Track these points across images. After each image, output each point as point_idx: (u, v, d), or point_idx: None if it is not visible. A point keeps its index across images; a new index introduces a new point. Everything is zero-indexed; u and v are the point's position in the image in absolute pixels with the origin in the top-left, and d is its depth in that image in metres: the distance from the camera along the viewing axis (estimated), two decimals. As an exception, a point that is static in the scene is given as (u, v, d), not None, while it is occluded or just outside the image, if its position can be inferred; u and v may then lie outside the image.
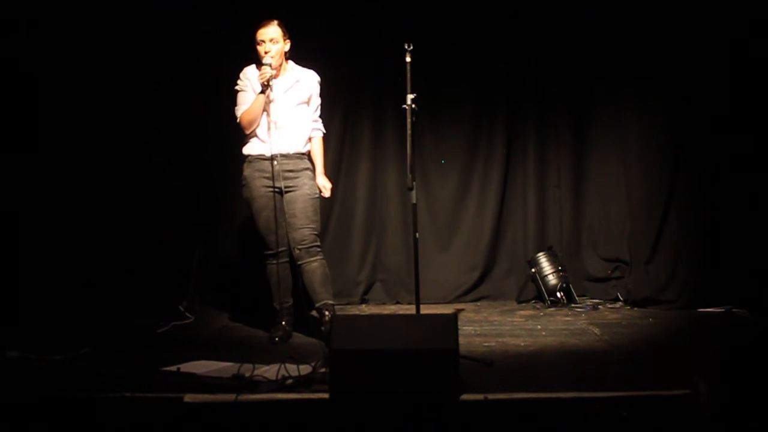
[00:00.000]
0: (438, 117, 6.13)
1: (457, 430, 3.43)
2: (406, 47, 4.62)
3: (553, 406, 3.48)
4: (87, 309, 5.13)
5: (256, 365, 3.78)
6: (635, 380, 3.77)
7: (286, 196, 4.78)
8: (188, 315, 5.55)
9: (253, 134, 4.82)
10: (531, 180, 6.21)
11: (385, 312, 5.86)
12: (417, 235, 4.77)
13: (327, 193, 5.00)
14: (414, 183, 4.65)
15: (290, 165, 4.79)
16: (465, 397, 3.45)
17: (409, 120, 4.63)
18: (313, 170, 4.91)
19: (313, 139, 4.98)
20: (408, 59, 4.62)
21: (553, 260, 6.00)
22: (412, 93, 4.61)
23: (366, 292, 6.17)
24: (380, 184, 6.22)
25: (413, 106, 4.63)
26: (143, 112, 5.69)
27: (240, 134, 4.91)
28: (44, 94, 5.45)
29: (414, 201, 4.71)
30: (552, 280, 5.94)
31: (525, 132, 6.21)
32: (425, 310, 5.09)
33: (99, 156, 5.59)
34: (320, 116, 5.03)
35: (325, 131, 5.07)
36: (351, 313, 5.77)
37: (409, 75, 4.60)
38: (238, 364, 3.78)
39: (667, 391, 3.51)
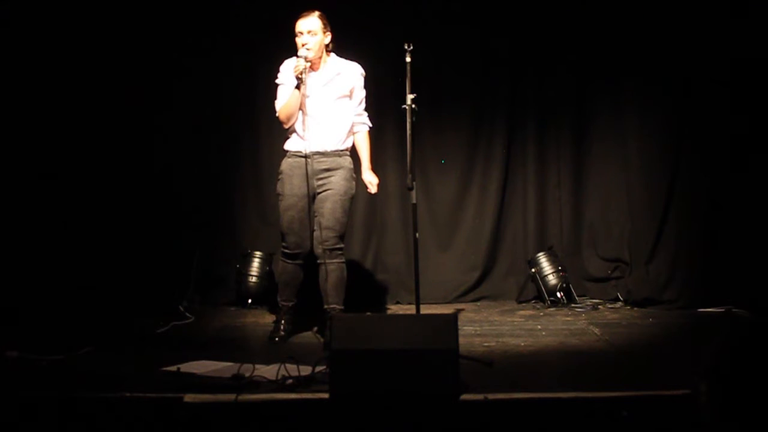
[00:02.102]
0: (438, 117, 6.13)
1: (457, 430, 3.43)
2: (406, 47, 4.62)
3: (553, 406, 3.47)
4: (87, 309, 5.12)
5: (256, 365, 3.78)
6: (635, 380, 3.77)
7: (319, 195, 4.70)
8: (188, 315, 5.54)
9: (293, 129, 4.74)
10: (531, 180, 6.21)
11: (385, 312, 5.85)
12: (417, 235, 4.76)
13: (373, 189, 4.91)
14: (414, 183, 4.65)
15: (327, 163, 4.70)
16: (465, 397, 3.45)
17: (409, 120, 4.62)
18: (352, 168, 4.79)
19: (357, 134, 4.86)
20: (408, 59, 4.61)
21: (553, 260, 6.00)
22: (412, 93, 4.61)
23: (366, 292, 6.17)
24: (380, 184, 6.18)
25: (413, 106, 4.62)
26: (144, 112, 5.70)
27: (279, 129, 4.84)
28: (44, 93, 5.45)
29: (414, 201, 4.70)
30: (552, 280, 5.94)
31: (525, 132, 6.21)
32: (425, 310, 5.09)
33: (99, 156, 5.60)
34: (365, 109, 4.91)
35: (371, 125, 4.94)
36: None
37: (409, 75, 4.59)
38: (238, 364, 3.78)
39: (667, 391, 3.51)
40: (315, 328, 4.95)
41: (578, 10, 6.01)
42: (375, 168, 6.12)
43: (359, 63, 6.01)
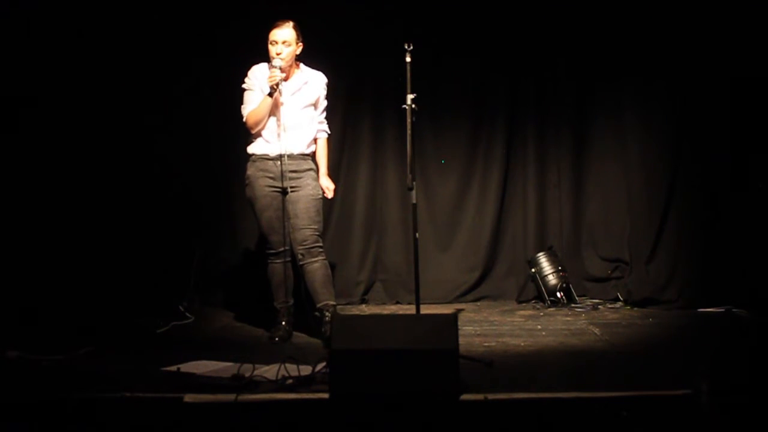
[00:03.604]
0: (438, 117, 6.13)
1: (457, 430, 3.43)
2: (406, 47, 4.63)
3: (553, 406, 3.47)
4: (87, 309, 5.12)
5: (256, 365, 3.78)
6: (635, 380, 3.77)
7: (289, 196, 4.75)
8: (188, 315, 5.55)
9: (258, 134, 4.81)
10: (531, 180, 6.21)
11: (385, 312, 5.86)
12: (417, 235, 4.77)
13: (330, 194, 4.99)
14: (414, 183, 4.65)
15: (294, 165, 4.77)
16: (465, 397, 3.45)
17: (409, 120, 4.63)
18: (317, 171, 4.90)
19: (318, 140, 4.97)
20: (408, 59, 4.62)
21: (553, 260, 6.00)
22: (412, 93, 4.62)
23: (366, 292, 6.17)
24: (380, 184, 6.22)
25: (413, 106, 4.63)
26: (144, 111, 5.69)
27: (244, 133, 4.90)
28: (46, 92, 5.44)
29: (414, 201, 4.71)
30: (552, 280, 5.94)
31: (525, 132, 6.21)
32: (425, 310, 5.09)
33: (100, 156, 5.58)
34: (325, 117, 5.02)
35: (330, 132, 5.08)
36: (351, 313, 5.76)
37: (409, 75, 4.61)
38: (238, 364, 3.78)
39: (667, 391, 3.52)
40: (313, 329, 4.94)
41: (578, 10, 6.00)
42: (375, 168, 6.19)
43: (359, 63, 6.05)
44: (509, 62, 6.16)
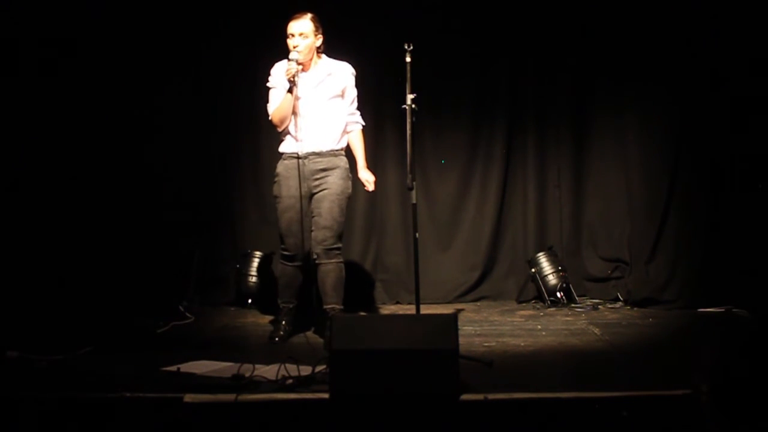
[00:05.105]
0: (438, 117, 6.13)
1: (457, 430, 3.43)
2: (406, 47, 4.63)
3: (553, 406, 3.47)
4: (87, 309, 5.12)
5: (256, 365, 3.78)
6: (635, 380, 3.77)
7: (316, 195, 4.71)
8: (188, 315, 5.54)
9: (287, 131, 4.75)
10: (531, 180, 6.21)
11: (385, 312, 5.85)
12: (417, 235, 4.77)
13: (371, 187, 4.92)
14: (414, 183, 4.65)
15: (323, 163, 4.71)
16: (465, 397, 3.45)
17: (409, 120, 4.63)
18: (348, 167, 4.80)
19: (351, 133, 4.88)
20: (408, 59, 4.62)
21: (553, 260, 6.00)
22: (412, 93, 4.61)
23: (366, 292, 6.17)
24: (380, 184, 6.19)
25: (413, 106, 4.63)
26: (144, 110, 5.69)
27: (274, 132, 4.85)
28: (42, 90, 5.44)
29: (414, 201, 4.71)
30: (552, 280, 5.94)
31: (525, 132, 6.21)
32: (425, 310, 5.10)
33: (99, 155, 5.59)
34: (357, 108, 4.92)
35: (363, 123, 4.96)
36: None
37: (409, 75, 4.60)
38: (238, 364, 3.78)
39: (667, 391, 3.52)
40: (314, 328, 4.95)
41: (579, 10, 6.01)
42: (375, 168, 6.14)
43: (359, 63, 6.03)
44: (509, 62, 6.16)
